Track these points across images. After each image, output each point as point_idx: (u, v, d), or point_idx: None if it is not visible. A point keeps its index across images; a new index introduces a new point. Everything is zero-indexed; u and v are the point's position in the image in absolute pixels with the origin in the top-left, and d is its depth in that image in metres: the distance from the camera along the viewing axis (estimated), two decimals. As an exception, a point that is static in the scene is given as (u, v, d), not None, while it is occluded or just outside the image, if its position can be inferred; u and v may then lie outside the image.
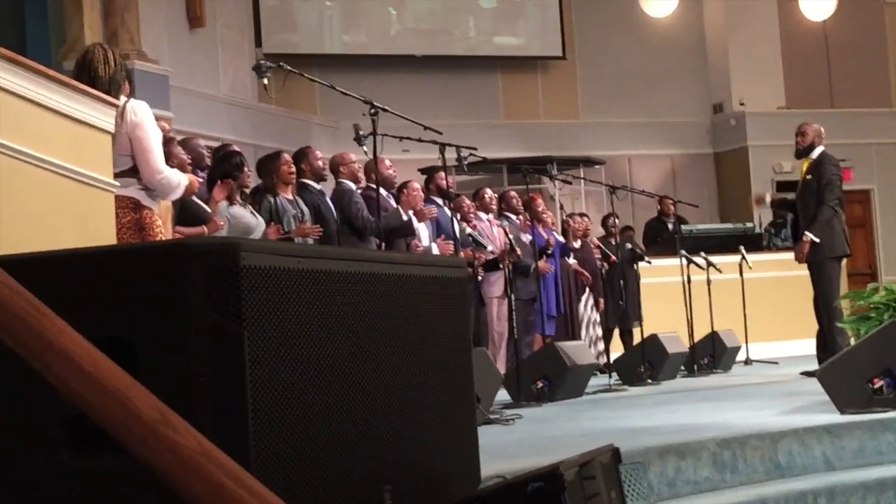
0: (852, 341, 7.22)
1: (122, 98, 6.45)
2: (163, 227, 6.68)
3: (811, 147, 10.88)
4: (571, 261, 14.16)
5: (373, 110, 8.18)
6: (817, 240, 10.39)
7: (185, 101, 14.88)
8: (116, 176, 6.17)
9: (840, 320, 9.90)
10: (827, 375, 6.35)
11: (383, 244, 10.23)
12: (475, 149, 10.45)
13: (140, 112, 6.52)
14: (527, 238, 13.39)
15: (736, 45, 20.59)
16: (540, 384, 9.23)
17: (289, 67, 8.10)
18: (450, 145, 9.82)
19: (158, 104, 13.84)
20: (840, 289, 10.85)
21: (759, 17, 20.59)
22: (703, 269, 13.87)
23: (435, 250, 11.24)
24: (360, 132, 9.04)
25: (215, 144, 15.97)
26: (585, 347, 10.36)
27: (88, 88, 4.84)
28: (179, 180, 6.83)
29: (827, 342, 10.50)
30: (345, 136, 17.32)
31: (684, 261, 13.75)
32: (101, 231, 4.76)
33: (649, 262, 13.16)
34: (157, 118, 13.59)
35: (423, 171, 12.69)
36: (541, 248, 13.41)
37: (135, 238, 6.49)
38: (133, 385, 1.78)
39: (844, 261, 11.01)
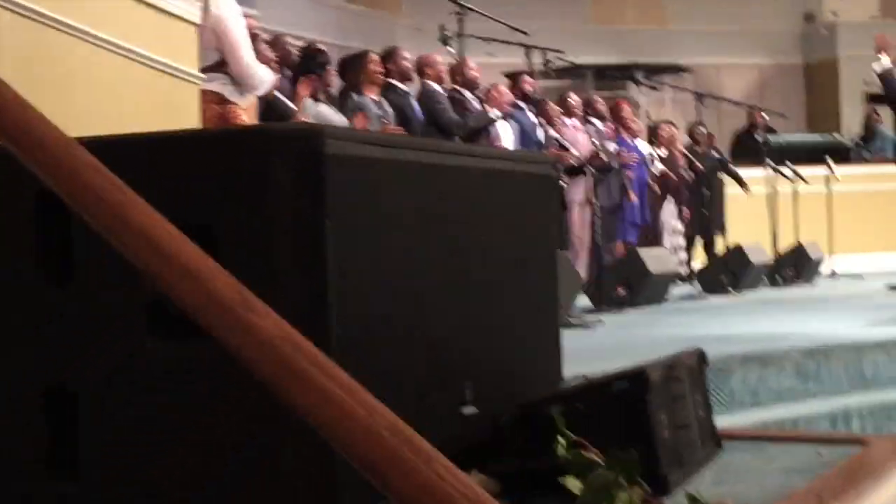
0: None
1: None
2: (247, 122, 6.66)
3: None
4: (658, 167, 14.01)
5: (459, 11, 8.03)
6: None
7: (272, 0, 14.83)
8: (202, 70, 6.16)
9: None
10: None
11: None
12: (561, 52, 10.31)
13: (225, 4, 6.47)
14: (612, 146, 13.27)
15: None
16: (621, 290, 9.14)
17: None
18: (535, 48, 9.70)
19: (245, 2, 13.80)
20: None
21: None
22: (790, 179, 13.65)
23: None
24: (446, 32, 8.95)
25: (301, 43, 16.03)
26: (667, 254, 10.27)
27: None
28: (266, 75, 6.81)
29: None
30: (429, 37, 17.19)
31: (770, 171, 13.56)
32: (185, 123, 4.72)
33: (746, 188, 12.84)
34: (243, 15, 13.61)
35: (507, 75, 12.52)
36: (629, 157, 13.30)
37: (220, 132, 6.49)
38: (213, 267, 1.74)
39: None
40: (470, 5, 8.42)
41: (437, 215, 3.02)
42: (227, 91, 6.53)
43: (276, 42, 10.27)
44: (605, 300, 9.07)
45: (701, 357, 3.14)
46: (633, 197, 13.11)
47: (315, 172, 2.46)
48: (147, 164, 2.55)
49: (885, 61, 10.72)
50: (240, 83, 6.56)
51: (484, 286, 3.27)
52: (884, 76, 10.61)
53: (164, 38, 4.67)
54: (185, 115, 4.76)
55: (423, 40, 16.50)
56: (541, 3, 19.03)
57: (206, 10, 6.30)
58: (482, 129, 10.77)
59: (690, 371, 2.96)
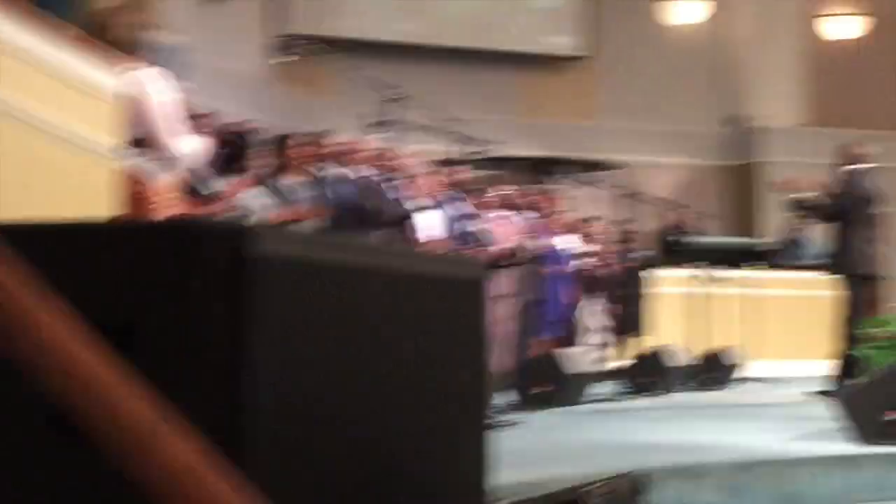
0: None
1: (136, 64, 6.26)
2: (169, 204, 6.49)
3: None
4: (582, 263, 13.97)
5: (393, 96, 7.97)
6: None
7: (201, 77, 14.66)
8: (124, 146, 5.99)
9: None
10: (845, 404, 6.15)
11: (391, 233, 10.10)
12: (491, 144, 10.29)
13: (154, 80, 6.33)
14: (539, 238, 13.25)
15: (758, 58, 20.41)
16: (539, 390, 9.02)
17: (317, 50, 7.90)
18: (467, 138, 9.66)
19: (174, 76, 13.65)
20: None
21: (785, 31, 20.40)
22: (711, 283, 13.71)
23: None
24: (379, 119, 8.86)
25: (233, 120, 15.87)
26: (586, 354, 10.16)
27: (99, 50, 4.62)
28: (195, 148, 6.66)
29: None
30: (361, 119, 17.19)
31: (694, 274, 13.59)
32: (103, 202, 4.55)
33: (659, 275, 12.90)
34: (180, 88, 13.46)
35: (436, 163, 12.47)
36: (551, 253, 13.28)
37: (139, 213, 6.29)
38: (125, 385, 1.57)
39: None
40: (399, 95, 8.29)
41: (362, 318, 2.88)
42: (149, 169, 6.36)
43: (206, 119, 10.15)
44: (522, 399, 8.94)
45: (635, 486, 3.01)
46: (560, 269, 13.14)
47: (237, 274, 2.31)
48: (61, 254, 2.39)
49: (803, 195, 10.83)
50: (163, 160, 6.41)
51: (410, 391, 3.13)
52: (810, 205, 10.71)
53: (82, 114, 4.51)
54: (104, 195, 4.59)
55: (355, 121, 16.43)
56: (471, 95, 19.06)
57: (134, 83, 6.16)
58: (406, 219, 10.68)
59: (623, 499, 2.83)
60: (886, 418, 5.97)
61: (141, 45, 6.37)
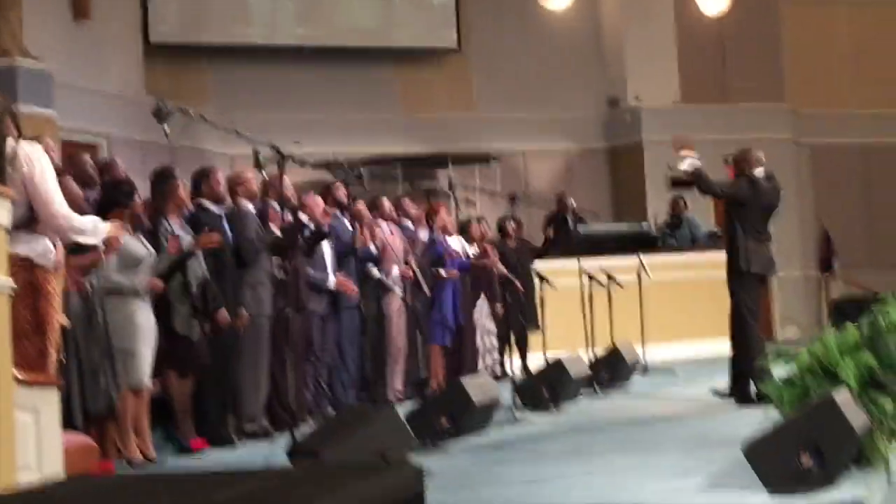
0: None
1: (11, 141, 6.04)
2: (56, 289, 6.29)
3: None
4: (468, 265, 13.91)
5: (274, 152, 7.84)
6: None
7: (70, 97, 14.32)
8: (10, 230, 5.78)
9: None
10: (754, 452, 6.12)
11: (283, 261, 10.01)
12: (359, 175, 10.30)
13: (34, 158, 6.11)
14: (424, 236, 13.20)
15: (631, 39, 20.47)
16: (445, 421, 8.92)
17: (190, 112, 7.74)
18: (343, 167, 9.61)
19: (42, 102, 13.33)
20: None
21: (654, 11, 20.46)
22: (604, 285, 13.72)
23: (332, 284, 10.97)
24: (261, 157, 8.67)
25: (103, 142, 15.56)
26: (490, 382, 10.07)
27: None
28: (93, 225, 6.45)
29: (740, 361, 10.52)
30: (236, 126, 16.92)
31: (585, 276, 13.58)
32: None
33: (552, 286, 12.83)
34: (41, 117, 13.10)
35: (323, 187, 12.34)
36: (438, 258, 13.22)
37: (28, 302, 6.09)
38: None
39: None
40: (280, 149, 8.08)
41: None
42: (35, 255, 6.18)
43: (72, 160, 9.90)
44: (427, 433, 8.83)
45: None
46: (452, 272, 13.12)
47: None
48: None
49: (691, 161, 10.82)
50: (56, 236, 6.24)
51: None
52: (695, 174, 10.72)
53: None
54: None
55: (230, 136, 16.15)
56: (350, 94, 18.89)
57: (12, 162, 5.96)
58: (311, 241, 10.60)
59: None
60: (800, 463, 5.95)
61: (9, 118, 6.15)
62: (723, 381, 10.74)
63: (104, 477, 4.20)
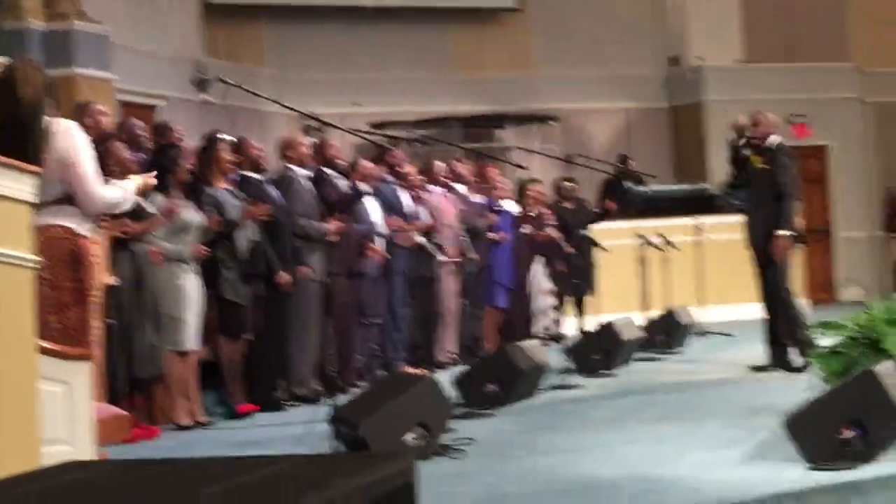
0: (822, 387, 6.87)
1: (49, 119, 6.05)
2: (98, 258, 6.31)
3: (765, 136, 10.70)
4: (525, 229, 13.87)
5: (316, 126, 7.79)
6: (794, 233, 10.35)
7: (127, 59, 14.37)
8: (46, 204, 5.80)
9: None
10: (795, 425, 6.05)
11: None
12: (421, 139, 10.18)
13: (70, 136, 6.11)
14: (478, 201, 13.14)
15: (695, -3, 20.24)
16: (492, 387, 8.90)
17: (230, 82, 7.71)
18: (403, 139, 9.55)
19: (99, 65, 13.37)
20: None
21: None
22: (661, 249, 13.66)
23: (383, 229, 10.96)
24: (309, 124, 8.69)
25: (160, 104, 15.61)
26: (539, 347, 10.04)
27: (2, 158, 4.44)
28: (124, 194, 6.43)
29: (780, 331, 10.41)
30: (290, 88, 17.01)
31: (643, 225, 13.56)
32: (19, 314, 4.39)
33: (605, 249, 12.79)
34: (98, 80, 13.16)
35: (377, 150, 12.32)
36: (494, 221, 13.19)
37: (69, 272, 6.12)
38: None
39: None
40: (321, 120, 8.07)
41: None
42: (76, 223, 6.19)
43: (123, 126, 9.93)
44: (475, 397, 8.83)
45: None
46: (503, 236, 13.11)
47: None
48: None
49: (774, 139, 10.72)
50: (90, 213, 6.23)
51: None
52: (779, 149, 10.63)
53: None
54: (18, 305, 4.41)
55: (286, 90, 16.18)
56: (403, 52, 18.81)
57: (50, 140, 5.97)
58: (353, 203, 10.59)
59: None
60: (841, 437, 5.88)
61: (49, 95, 6.16)
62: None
63: (98, 462, 4.19)
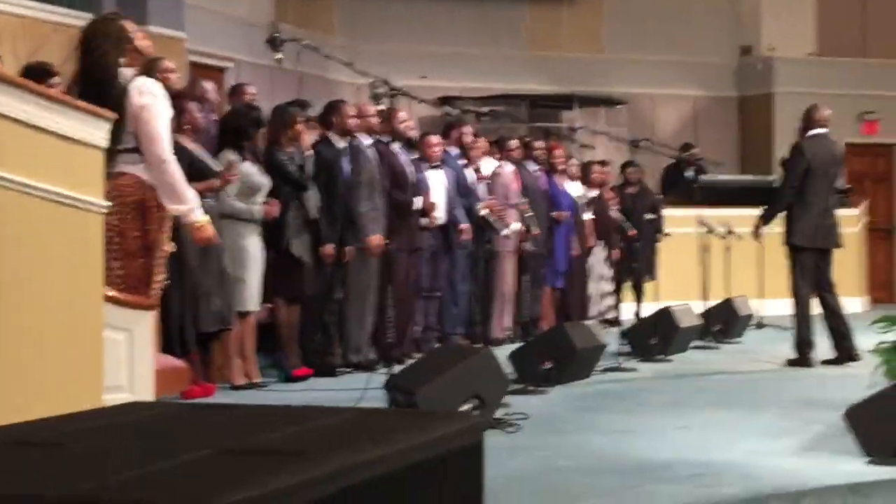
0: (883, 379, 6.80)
1: (129, 73, 6.07)
2: (165, 212, 6.32)
3: (806, 131, 10.67)
4: (587, 216, 13.84)
5: (391, 92, 7.77)
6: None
7: (200, 20, 14.40)
8: (121, 151, 5.82)
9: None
10: (855, 417, 6.00)
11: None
12: (486, 114, 10.13)
13: (148, 93, 6.10)
14: (544, 188, 13.08)
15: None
16: (547, 365, 8.88)
17: (304, 43, 7.70)
18: (472, 112, 9.50)
19: (172, 24, 13.41)
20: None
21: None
22: (723, 237, 13.57)
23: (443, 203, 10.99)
24: (378, 90, 8.67)
25: (231, 66, 15.64)
26: (595, 327, 10.01)
27: (79, 103, 4.45)
28: (184, 191, 6.20)
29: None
30: (360, 59, 16.92)
31: (707, 214, 13.46)
32: (89, 256, 4.41)
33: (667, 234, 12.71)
34: (171, 38, 13.18)
35: (447, 125, 12.31)
36: (557, 202, 13.14)
37: (137, 222, 6.12)
38: None
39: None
40: (394, 86, 8.04)
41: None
42: (146, 175, 6.20)
43: (193, 85, 9.96)
44: (530, 375, 8.81)
45: None
46: (564, 215, 13.08)
47: None
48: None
49: (812, 133, 10.67)
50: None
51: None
52: (794, 145, 10.65)
53: (67, 167, 4.34)
54: (87, 249, 4.44)
55: (356, 60, 16.11)
56: (476, 28, 18.75)
57: (128, 93, 5.98)
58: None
59: None
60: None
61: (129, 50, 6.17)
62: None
63: (163, 403, 4.21)
